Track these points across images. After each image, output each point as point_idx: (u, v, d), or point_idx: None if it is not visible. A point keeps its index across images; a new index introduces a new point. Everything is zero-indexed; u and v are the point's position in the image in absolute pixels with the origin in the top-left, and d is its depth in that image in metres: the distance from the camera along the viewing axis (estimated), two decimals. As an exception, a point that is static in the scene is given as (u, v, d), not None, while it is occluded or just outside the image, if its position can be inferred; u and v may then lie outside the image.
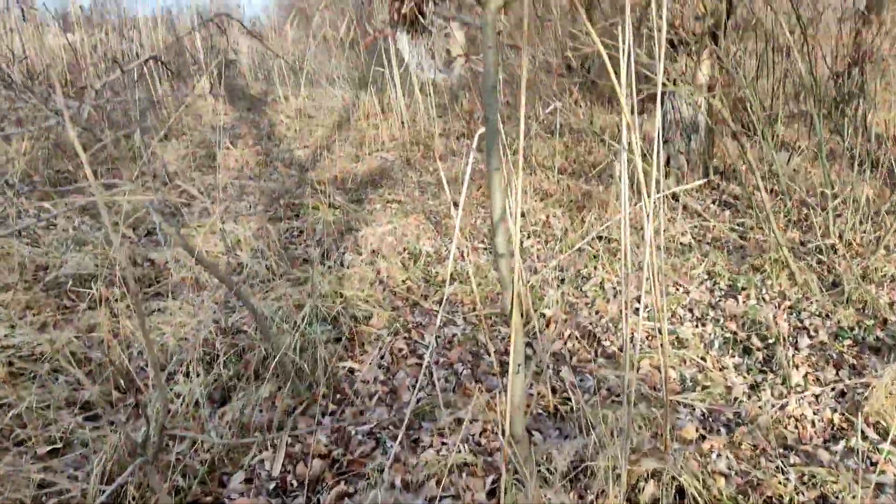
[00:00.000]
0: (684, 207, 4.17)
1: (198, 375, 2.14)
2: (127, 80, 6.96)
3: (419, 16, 1.81)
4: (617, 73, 1.47)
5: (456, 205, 4.38)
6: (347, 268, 3.16)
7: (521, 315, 1.50)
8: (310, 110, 8.07)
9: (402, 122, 6.46)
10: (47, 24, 8.44)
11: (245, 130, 6.97)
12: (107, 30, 8.81)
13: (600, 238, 3.76)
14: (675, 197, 4.21)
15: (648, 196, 1.58)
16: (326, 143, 6.16)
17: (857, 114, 4.33)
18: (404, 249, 3.52)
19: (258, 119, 7.59)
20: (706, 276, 3.23)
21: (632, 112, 1.53)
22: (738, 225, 3.91)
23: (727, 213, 4.21)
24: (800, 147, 5.14)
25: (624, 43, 1.50)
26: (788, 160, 4.75)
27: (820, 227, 3.45)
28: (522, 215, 4.07)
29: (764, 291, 3.06)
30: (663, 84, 1.85)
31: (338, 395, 2.29)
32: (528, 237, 3.79)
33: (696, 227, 3.90)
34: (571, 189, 4.43)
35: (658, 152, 1.64)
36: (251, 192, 4.42)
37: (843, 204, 3.74)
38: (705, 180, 4.70)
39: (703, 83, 4.68)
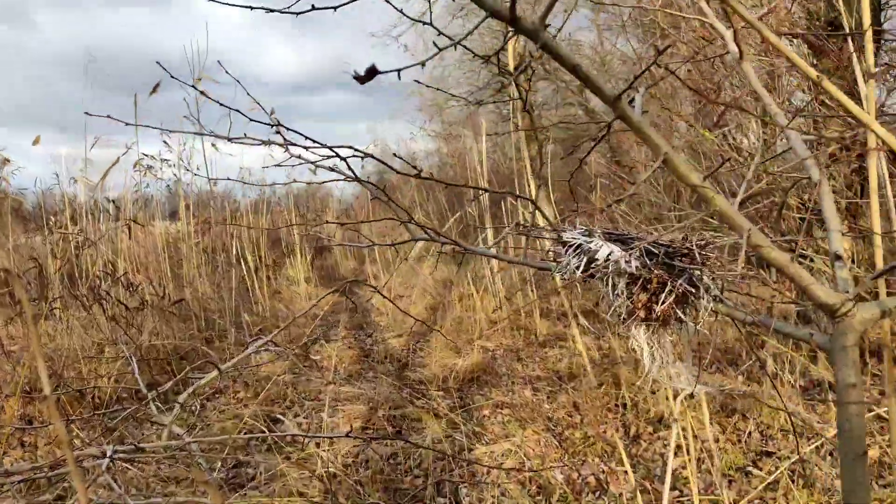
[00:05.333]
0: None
1: None
2: (223, 270, 7.06)
3: (676, 312, 1.36)
4: None
5: (577, 407, 3.81)
6: (467, 515, 2.59)
7: None
8: (401, 289, 7.91)
9: (500, 304, 6.11)
10: (154, 216, 8.95)
11: (337, 319, 6.80)
12: (209, 220, 9.23)
13: (769, 455, 3.06)
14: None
15: None
16: (422, 329, 5.83)
17: None
18: (530, 480, 2.93)
19: (349, 303, 7.45)
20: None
21: None
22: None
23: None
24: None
25: None
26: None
27: None
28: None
29: None
30: None
31: None
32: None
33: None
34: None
35: None
36: (347, 398, 4.02)
37: None
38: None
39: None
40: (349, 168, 1.19)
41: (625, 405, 3.80)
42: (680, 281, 1.07)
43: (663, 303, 1.07)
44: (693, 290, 1.08)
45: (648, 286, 1.07)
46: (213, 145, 7.16)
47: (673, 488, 2.94)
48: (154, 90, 4.40)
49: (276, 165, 1.51)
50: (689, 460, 2.82)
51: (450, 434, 3.35)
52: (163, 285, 5.28)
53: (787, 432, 3.39)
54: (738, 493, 2.80)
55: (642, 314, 1.09)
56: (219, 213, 9.95)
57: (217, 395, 4.37)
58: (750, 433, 3.37)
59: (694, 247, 1.06)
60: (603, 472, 3.06)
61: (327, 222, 7.71)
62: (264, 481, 2.81)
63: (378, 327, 6.23)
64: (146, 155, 6.61)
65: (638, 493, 2.64)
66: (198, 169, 8.02)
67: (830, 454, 2.97)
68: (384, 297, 1.93)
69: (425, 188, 11.26)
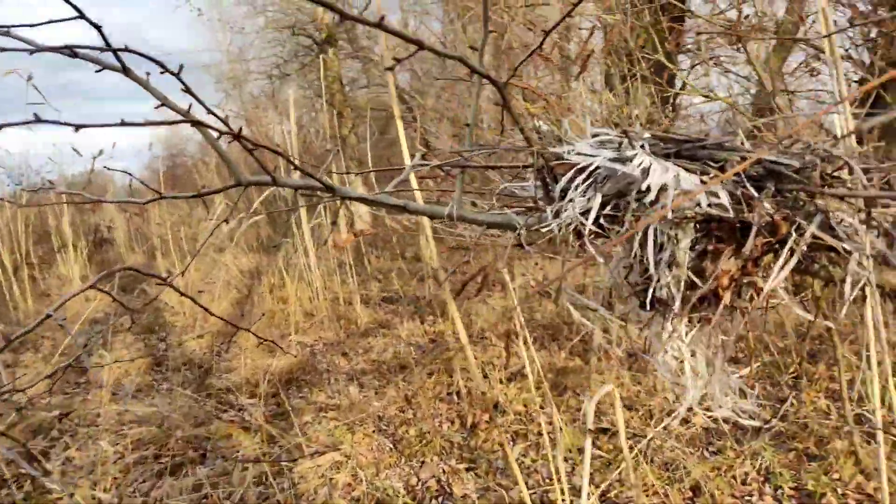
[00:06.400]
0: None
1: None
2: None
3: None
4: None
5: (409, 401, 3.50)
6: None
7: None
8: (201, 284, 7.05)
9: (315, 294, 5.61)
10: None
11: (122, 322, 5.82)
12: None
13: (605, 431, 3.00)
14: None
15: None
16: (227, 329, 5.15)
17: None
18: (364, 495, 2.54)
19: (138, 302, 6.46)
20: (762, 480, 2.50)
21: None
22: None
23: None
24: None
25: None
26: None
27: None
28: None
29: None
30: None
31: None
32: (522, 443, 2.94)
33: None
34: (545, 364, 3.70)
35: None
36: (134, 420, 3.31)
37: None
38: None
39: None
40: (105, 42, 0.70)
41: (458, 393, 3.57)
42: (812, 227, 0.60)
43: (780, 269, 0.61)
44: (840, 245, 0.61)
45: (754, 242, 0.61)
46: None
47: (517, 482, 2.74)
48: None
49: None
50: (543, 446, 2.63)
51: (266, 451, 2.85)
52: None
53: (614, 406, 3.38)
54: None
55: (727, 297, 0.64)
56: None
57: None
58: (583, 411, 3.30)
59: (821, 160, 0.60)
60: (444, 472, 2.77)
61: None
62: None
63: (173, 329, 5.42)
64: None
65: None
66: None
67: (664, 427, 2.97)
68: (177, 290, 1.41)
69: (227, 171, 10.24)
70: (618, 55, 4.34)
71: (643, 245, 0.66)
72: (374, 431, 3.12)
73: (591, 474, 2.70)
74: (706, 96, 3.12)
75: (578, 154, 0.70)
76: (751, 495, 2.28)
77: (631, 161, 0.65)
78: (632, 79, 4.33)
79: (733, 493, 2.30)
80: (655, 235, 0.65)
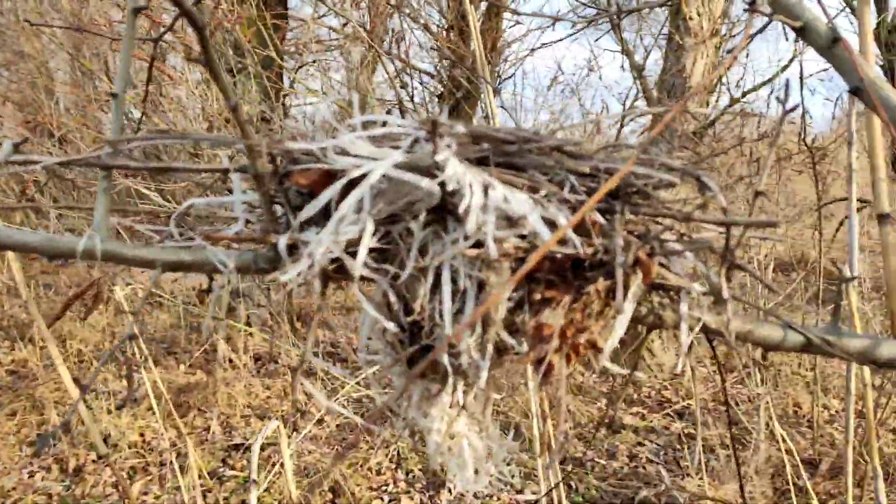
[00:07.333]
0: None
1: None
2: None
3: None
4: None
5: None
6: None
7: None
8: None
9: None
10: None
11: None
12: None
13: (238, 448, 2.86)
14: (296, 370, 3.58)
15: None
16: None
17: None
18: None
19: None
20: (394, 467, 2.69)
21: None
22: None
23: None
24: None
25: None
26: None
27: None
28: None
29: None
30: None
31: None
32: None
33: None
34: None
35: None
36: None
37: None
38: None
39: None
40: None
41: (55, 435, 2.97)
42: (658, 261, 0.48)
43: (620, 320, 0.46)
44: (679, 283, 0.48)
45: (586, 284, 0.45)
46: None
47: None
48: None
49: None
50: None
51: None
52: None
53: (247, 417, 3.26)
54: None
55: (560, 363, 0.46)
56: None
57: None
58: (212, 430, 3.09)
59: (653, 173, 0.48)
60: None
61: None
62: None
63: None
64: None
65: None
66: None
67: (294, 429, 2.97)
68: None
69: None
70: (223, 47, 4.16)
71: (433, 293, 0.46)
72: (-72, 505, 2.37)
73: (226, 498, 2.53)
74: (324, 94, 3.20)
75: (345, 154, 0.46)
76: (386, 484, 2.43)
77: (438, 170, 0.44)
78: (241, 73, 4.21)
79: (371, 486, 2.42)
80: (453, 279, 0.46)
